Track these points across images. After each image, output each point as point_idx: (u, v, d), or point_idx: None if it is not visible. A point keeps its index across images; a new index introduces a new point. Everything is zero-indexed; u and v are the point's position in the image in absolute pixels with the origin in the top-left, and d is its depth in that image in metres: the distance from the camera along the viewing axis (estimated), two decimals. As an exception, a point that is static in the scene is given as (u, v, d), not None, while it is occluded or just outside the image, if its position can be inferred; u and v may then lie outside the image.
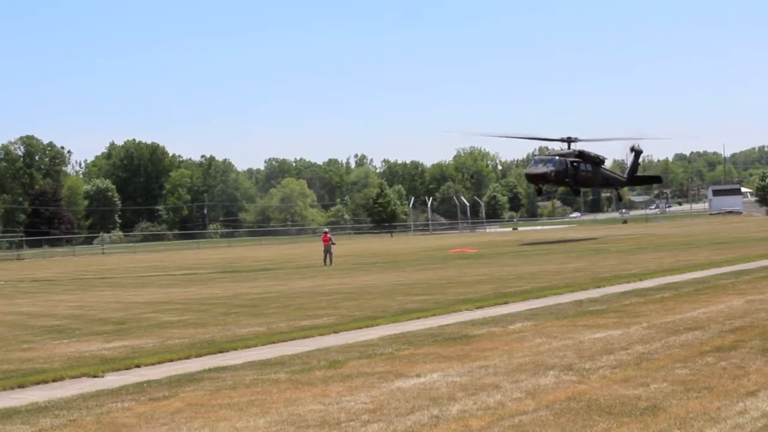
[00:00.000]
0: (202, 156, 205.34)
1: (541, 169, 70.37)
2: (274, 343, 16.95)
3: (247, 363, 14.46)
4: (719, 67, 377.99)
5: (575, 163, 71.32)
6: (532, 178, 72.55)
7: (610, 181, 79.61)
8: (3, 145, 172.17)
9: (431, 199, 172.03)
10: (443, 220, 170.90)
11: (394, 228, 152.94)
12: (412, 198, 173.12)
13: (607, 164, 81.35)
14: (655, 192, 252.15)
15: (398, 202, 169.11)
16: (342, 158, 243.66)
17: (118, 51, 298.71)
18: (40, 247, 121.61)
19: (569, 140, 74.48)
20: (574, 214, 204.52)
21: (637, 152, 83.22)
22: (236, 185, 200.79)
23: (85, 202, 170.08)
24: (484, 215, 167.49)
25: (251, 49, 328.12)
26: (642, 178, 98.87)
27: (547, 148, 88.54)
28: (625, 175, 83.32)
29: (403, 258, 54.68)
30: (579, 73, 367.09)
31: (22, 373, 14.44)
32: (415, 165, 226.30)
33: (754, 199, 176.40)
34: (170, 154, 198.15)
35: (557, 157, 70.79)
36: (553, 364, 12.82)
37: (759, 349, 13.37)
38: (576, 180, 72.08)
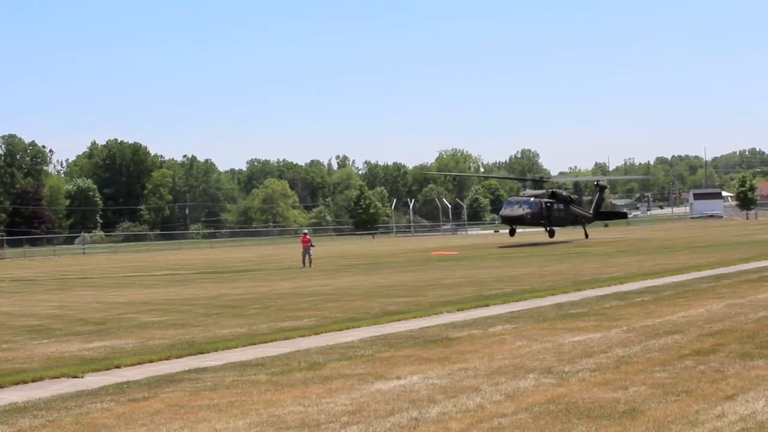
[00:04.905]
0: (184, 156, 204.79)
1: (517, 211, 72.11)
2: (254, 344, 16.94)
3: (228, 364, 14.44)
4: (701, 70, 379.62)
5: (549, 204, 73.46)
6: (508, 219, 73.93)
7: (579, 219, 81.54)
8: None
9: (413, 200, 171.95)
10: (425, 222, 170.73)
11: (376, 230, 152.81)
12: (394, 200, 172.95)
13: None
14: (637, 195, 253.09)
15: (380, 204, 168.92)
16: (324, 159, 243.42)
17: (101, 50, 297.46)
18: (21, 247, 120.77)
19: (541, 180, 79.96)
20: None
21: (602, 188, 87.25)
22: (218, 186, 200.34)
23: (67, 202, 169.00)
24: (466, 217, 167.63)
25: (234, 50, 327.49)
26: (607, 213, 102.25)
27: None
28: (591, 211, 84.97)
29: (384, 260, 54.69)
30: (559, 74, 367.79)
31: (1, 373, 14.38)
32: (397, 167, 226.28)
33: (734, 203, 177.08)
34: (152, 154, 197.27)
35: (533, 199, 72.86)
36: (533, 367, 12.86)
37: (738, 353, 13.44)
38: (550, 220, 74.04)
